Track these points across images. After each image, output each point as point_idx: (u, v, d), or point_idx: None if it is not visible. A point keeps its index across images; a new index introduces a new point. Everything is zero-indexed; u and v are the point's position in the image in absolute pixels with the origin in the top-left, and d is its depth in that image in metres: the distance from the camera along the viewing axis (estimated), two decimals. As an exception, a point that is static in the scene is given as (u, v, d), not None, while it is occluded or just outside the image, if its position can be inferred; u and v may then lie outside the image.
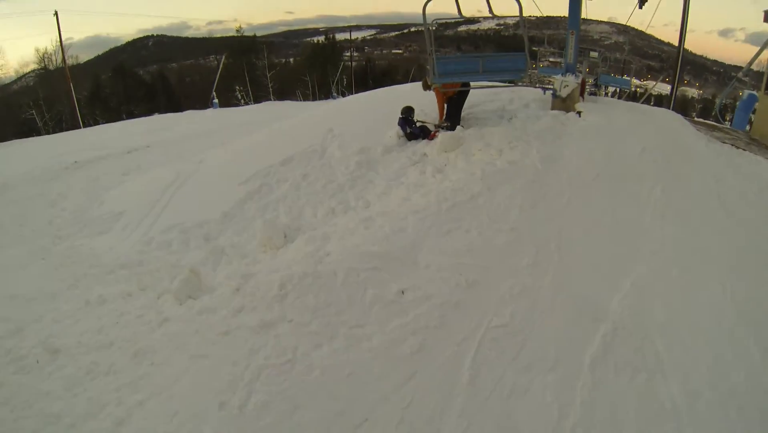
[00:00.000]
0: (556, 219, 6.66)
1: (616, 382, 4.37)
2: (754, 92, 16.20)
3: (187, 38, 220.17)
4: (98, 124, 39.78)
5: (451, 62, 9.59)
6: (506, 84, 11.02)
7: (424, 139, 9.81)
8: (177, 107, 48.09)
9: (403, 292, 5.28)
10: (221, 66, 52.01)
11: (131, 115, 49.18)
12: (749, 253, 6.25)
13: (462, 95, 10.24)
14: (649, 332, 4.88)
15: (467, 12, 10.96)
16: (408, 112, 10.07)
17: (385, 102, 12.33)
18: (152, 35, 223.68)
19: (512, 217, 6.64)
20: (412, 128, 9.95)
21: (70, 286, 6.95)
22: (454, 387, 4.27)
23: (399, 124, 10.01)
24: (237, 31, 69.94)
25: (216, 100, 40.31)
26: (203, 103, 45.03)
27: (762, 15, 13.63)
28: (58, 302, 6.47)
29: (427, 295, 5.25)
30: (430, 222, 6.51)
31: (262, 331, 4.89)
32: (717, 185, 7.85)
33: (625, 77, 24.18)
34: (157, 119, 27.60)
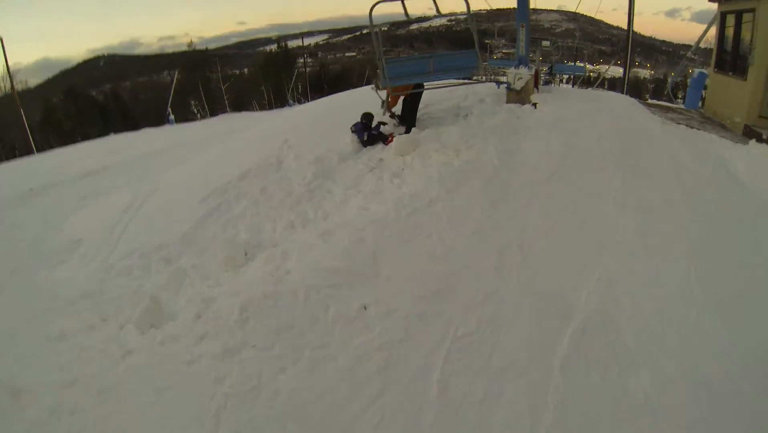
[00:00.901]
0: (518, 218, 6.63)
1: (588, 380, 4.37)
2: (704, 70, 16.53)
3: (138, 56, 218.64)
4: (53, 148, 38.91)
5: (400, 65, 9.52)
6: (460, 82, 10.97)
7: (382, 143, 9.72)
8: (133, 126, 47.12)
9: (365, 307, 5.19)
10: (175, 81, 51.32)
11: (86, 138, 47.99)
12: (710, 234, 6.35)
13: (415, 97, 10.18)
14: (618, 326, 4.88)
15: (416, 11, 10.95)
16: (368, 117, 9.96)
17: (339, 108, 12.27)
18: (103, 55, 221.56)
19: (473, 219, 6.59)
20: (371, 133, 9.84)
21: (30, 321, 6.62)
22: (424, 401, 4.22)
23: (355, 130, 9.89)
24: (188, 45, 69.21)
25: (172, 117, 39.69)
26: (159, 120, 44.30)
27: None
28: (18, 339, 6.17)
29: (390, 308, 5.17)
30: (390, 231, 6.41)
31: (226, 358, 4.77)
32: (675, 168, 7.97)
33: (578, 63, 24.47)
34: (113, 140, 27.00)
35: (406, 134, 9.38)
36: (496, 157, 8.02)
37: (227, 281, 6.67)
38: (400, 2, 8.66)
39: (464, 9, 8.94)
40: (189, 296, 6.40)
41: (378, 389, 4.36)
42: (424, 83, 10.10)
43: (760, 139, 9.78)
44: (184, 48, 73.24)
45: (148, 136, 25.74)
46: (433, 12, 10.14)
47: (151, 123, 41.20)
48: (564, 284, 5.46)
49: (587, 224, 6.51)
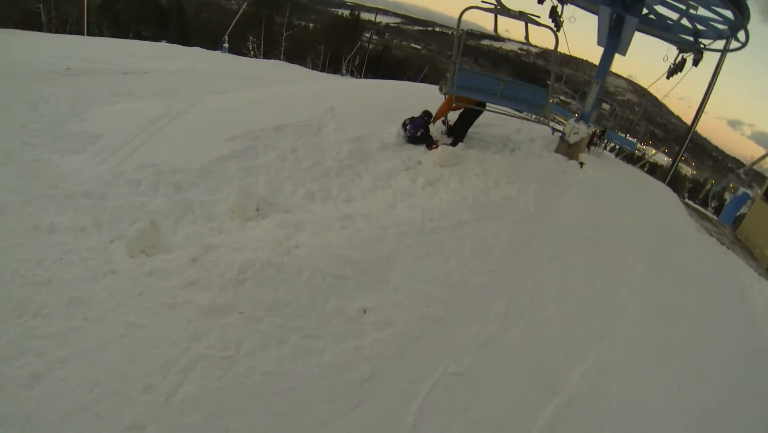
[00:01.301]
0: (537, 271, 6.43)
1: None
2: (749, 192, 16.44)
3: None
4: (103, 36, 38.75)
5: (471, 77, 9.32)
6: (520, 116, 10.77)
7: (426, 146, 9.49)
8: (187, 40, 47.17)
9: (365, 311, 4.94)
10: (240, 11, 51.04)
11: (139, 36, 48.19)
12: (714, 356, 6.18)
13: (474, 114, 9.98)
14: (599, 416, 4.66)
15: (499, 30, 10.76)
16: (428, 115, 9.79)
17: (394, 96, 12.08)
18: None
19: (494, 257, 6.39)
20: (426, 131, 9.61)
21: (24, 202, 6.38)
22: (395, 429, 3.97)
23: (411, 122, 9.67)
24: (266, -19, 68.59)
25: (226, 45, 39.46)
26: (213, 44, 44.21)
27: None
28: (6, 218, 5.94)
29: (390, 320, 4.92)
30: (411, 240, 6.20)
31: (210, 315, 4.47)
32: (698, 278, 7.84)
33: (629, 137, 24.19)
34: (163, 47, 26.86)
35: (452, 147, 9.14)
36: (533, 202, 7.84)
37: (230, 230, 6.47)
38: (491, 14, 8.43)
39: (543, 44, 8.79)
40: (188, 233, 6.19)
41: (355, 400, 4.09)
42: (487, 105, 9.87)
43: (783, 279, 9.66)
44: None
45: (197, 55, 25.56)
46: (509, 35, 9.97)
47: (204, 44, 41.12)
48: (562, 354, 5.25)
49: (600, 302, 6.32)
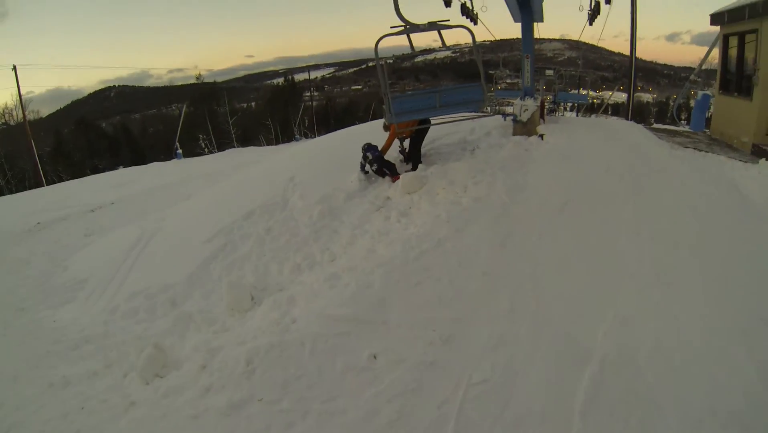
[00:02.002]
0: (529, 256, 6.46)
1: (611, 425, 4.12)
2: (708, 92, 16.62)
3: (148, 88, 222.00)
4: (62, 180, 39.18)
5: (406, 100, 9.43)
6: (467, 116, 10.92)
7: (389, 178, 9.65)
8: (142, 159, 47.83)
9: (375, 357, 5.01)
10: (183, 115, 51.65)
11: (95, 170, 48.59)
12: (729, 260, 6.15)
13: (420, 133, 10.14)
14: (638, 364, 4.64)
15: (422, 44, 10.98)
16: (371, 148, 9.98)
17: (345, 144, 12.23)
18: (114, 86, 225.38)
19: (483, 259, 6.42)
20: (377, 165, 9.82)
21: (33, 366, 6.58)
22: (439, 455, 4.02)
23: (368, 149, 9.96)
24: (197, 78, 69.68)
25: (180, 151, 39.86)
26: (168, 154, 44.71)
27: (708, 19, 14.30)
28: (20, 384, 6.11)
29: (400, 357, 4.98)
30: (398, 275, 6.24)
31: (232, 412, 4.60)
32: (686, 194, 7.86)
33: (581, 91, 24.45)
34: (122, 173, 27.27)
35: (413, 171, 9.30)
36: (505, 192, 7.92)
37: (233, 327, 6.57)
38: (405, 36, 8.61)
39: (469, 41, 8.91)
40: (194, 343, 6.30)
41: (391, 442, 4.16)
42: (431, 120, 10.03)
43: (769, 157, 9.81)
44: (193, 80, 73.72)
45: (155, 171, 25.95)
46: (438, 44, 10.14)
47: (159, 156, 41.60)
48: (580, 323, 5.24)
49: (600, 258, 6.31)
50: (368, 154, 9.85)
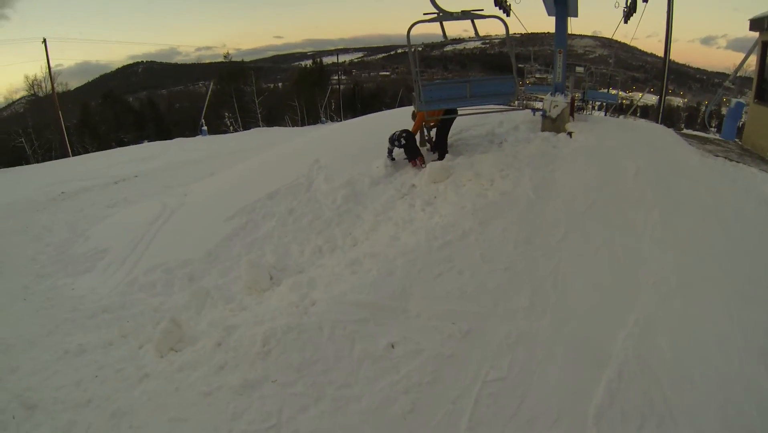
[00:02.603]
0: (552, 254, 6.37)
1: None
2: (742, 100, 16.27)
3: (176, 64, 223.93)
4: (88, 152, 39.60)
5: (436, 88, 9.32)
6: (496, 108, 10.77)
7: (412, 163, 9.63)
8: (167, 134, 48.13)
9: (393, 346, 4.97)
10: (210, 92, 51.83)
11: (121, 143, 49.18)
12: (753, 275, 6.02)
13: (447, 122, 10.04)
14: (656, 373, 4.59)
15: (452, 33, 10.84)
16: (406, 132, 9.90)
17: (372, 129, 12.16)
18: (142, 62, 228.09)
19: (506, 254, 6.34)
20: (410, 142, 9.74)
21: (50, 332, 6.67)
22: (451, 450, 3.98)
23: (395, 137, 9.81)
24: (225, 57, 69.63)
25: (205, 128, 40.12)
26: (193, 130, 44.95)
27: (747, 24, 13.93)
28: (36, 350, 6.20)
29: (418, 348, 4.94)
30: (420, 264, 6.19)
31: (245, 392, 4.60)
32: (715, 204, 7.66)
33: (611, 91, 24.15)
34: (146, 147, 27.50)
35: (440, 161, 9.21)
36: (531, 188, 7.81)
37: (250, 306, 6.56)
38: (438, 23, 8.50)
39: (500, 32, 8.81)
40: (210, 319, 6.31)
41: (405, 433, 4.13)
42: (458, 109, 9.94)
43: (802, 173, 9.46)
44: (221, 59, 73.71)
45: (180, 146, 26.12)
46: (469, 34, 10.09)
47: (184, 132, 41.91)
48: (599, 327, 5.19)
49: (624, 261, 6.21)
50: (403, 134, 9.73)
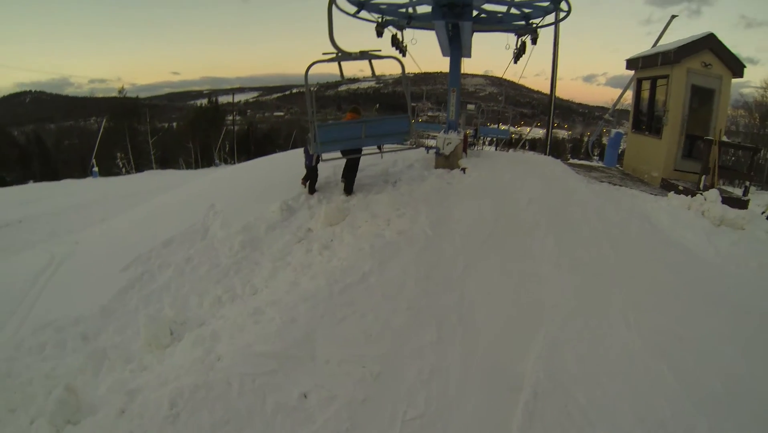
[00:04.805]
0: (455, 287, 6.62)
1: None
2: (620, 130, 18.06)
3: (67, 96, 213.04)
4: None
5: (332, 129, 9.44)
6: (390, 149, 11.00)
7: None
8: (54, 174, 45.77)
9: (305, 395, 4.86)
10: (102, 130, 49.93)
11: (2, 182, 46.23)
12: (643, 284, 6.74)
13: (353, 161, 10.25)
14: (568, 387, 4.89)
15: (347, 72, 11.03)
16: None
17: (266, 172, 12.17)
18: (30, 91, 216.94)
19: (407, 293, 6.48)
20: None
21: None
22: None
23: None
24: (120, 91, 67.14)
25: (96, 169, 38.59)
26: (82, 170, 43.18)
27: (624, 63, 15.79)
28: None
29: (331, 395, 4.86)
30: (322, 309, 6.15)
31: (158, 465, 4.31)
32: (603, 225, 8.40)
33: (501, 126, 25.26)
34: (32, 189, 26.06)
35: (335, 204, 9.35)
36: (428, 225, 8.04)
37: (152, 365, 6.24)
38: (336, 63, 8.62)
39: (394, 72, 9.05)
40: (110, 383, 5.88)
41: (327, 484, 4.05)
42: (362, 149, 10.10)
43: (677, 191, 11.07)
44: (115, 93, 70.97)
45: (69, 188, 24.81)
46: (365, 73, 10.29)
47: (73, 173, 40.04)
48: (509, 352, 5.43)
49: (524, 287, 6.61)
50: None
